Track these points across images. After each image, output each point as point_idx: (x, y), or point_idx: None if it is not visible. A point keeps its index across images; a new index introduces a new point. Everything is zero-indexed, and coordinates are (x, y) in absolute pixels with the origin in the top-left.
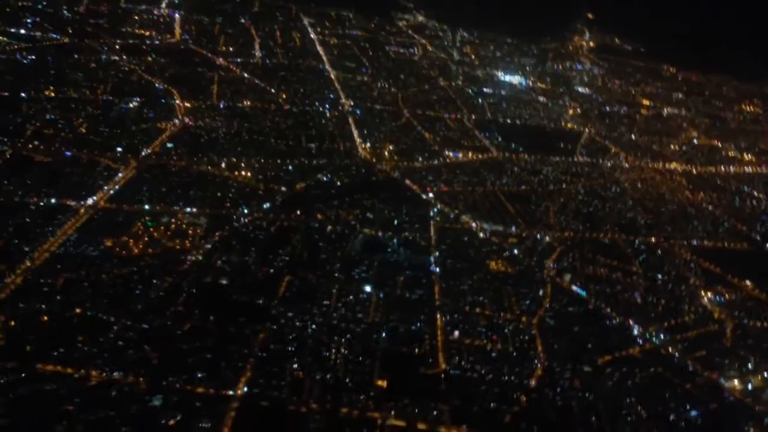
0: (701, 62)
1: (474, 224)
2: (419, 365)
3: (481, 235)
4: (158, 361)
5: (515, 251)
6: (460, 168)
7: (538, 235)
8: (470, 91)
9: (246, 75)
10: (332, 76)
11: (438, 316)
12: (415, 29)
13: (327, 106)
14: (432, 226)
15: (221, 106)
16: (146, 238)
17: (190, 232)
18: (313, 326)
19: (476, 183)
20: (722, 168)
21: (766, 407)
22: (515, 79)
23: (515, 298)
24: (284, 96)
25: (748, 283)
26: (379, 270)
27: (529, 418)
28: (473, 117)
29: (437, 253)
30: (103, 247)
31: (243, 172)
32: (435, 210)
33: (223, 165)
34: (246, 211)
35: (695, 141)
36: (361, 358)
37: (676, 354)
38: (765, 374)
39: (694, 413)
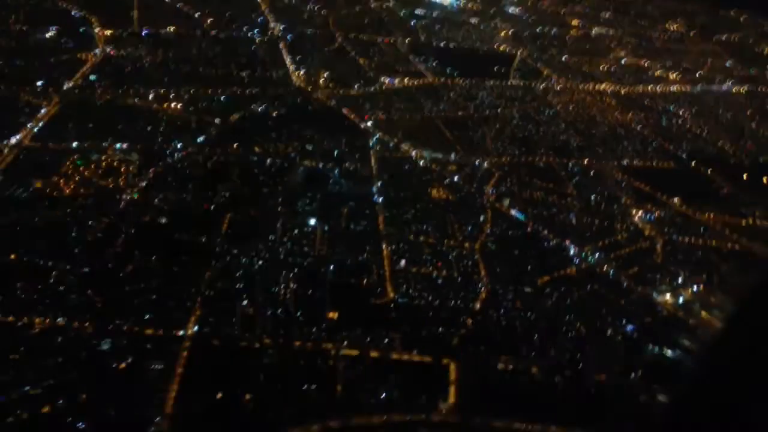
0: None
1: (414, 152)
2: (368, 295)
3: (421, 163)
4: (103, 304)
5: (455, 178)
6: (397, 95)
7: (477, 161)
8: (401, 12)
9: None
10: None
11: (383, 245)
12: None
13: (256, 30)
14: (372, 155)
15: (143, 33)
16: (77, 178)
17: (123, 169)
18: (260, 262)
19: (414, 110)
20: (649, 88)
21: (696, 320)
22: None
23: (457, 225)
24: (210, 21)
25: (675, 200)
26: (321, 202)
27: (475, 340)
28: (407, 41)
29: (379, 183)
30: (32, 188)
31: (173, 104)
32: (374, 139)
33: (151, 97)
34: (179, 145)
35: (623, 61)
36: (310, 292)
37: (611, 271)
38: (695, 288)
39: (629, 327)
